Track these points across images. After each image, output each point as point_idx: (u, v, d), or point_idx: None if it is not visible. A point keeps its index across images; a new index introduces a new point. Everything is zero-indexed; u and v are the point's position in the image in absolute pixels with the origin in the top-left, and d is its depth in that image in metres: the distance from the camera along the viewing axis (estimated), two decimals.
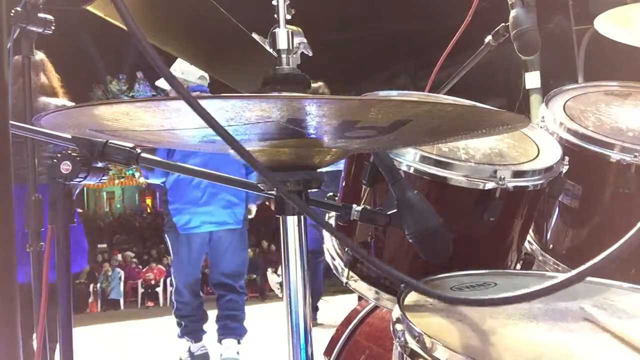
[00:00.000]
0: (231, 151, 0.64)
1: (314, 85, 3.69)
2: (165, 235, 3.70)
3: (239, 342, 3.60)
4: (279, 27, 0.76)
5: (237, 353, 3.57)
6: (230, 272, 3.69)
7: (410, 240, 0.86)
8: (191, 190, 3.55)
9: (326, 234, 1.21)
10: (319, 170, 0.79)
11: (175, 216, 3.57)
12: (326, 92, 3.78)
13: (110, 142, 0.91)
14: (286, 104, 0.57)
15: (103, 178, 0.95)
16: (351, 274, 1.10)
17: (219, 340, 3.62)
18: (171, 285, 4.74)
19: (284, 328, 0.80)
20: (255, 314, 3.76)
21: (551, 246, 1.30)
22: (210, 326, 3.71)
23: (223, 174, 0.99)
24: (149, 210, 18.61)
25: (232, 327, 3.61)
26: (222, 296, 3.69)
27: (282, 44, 0.76)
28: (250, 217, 3.80)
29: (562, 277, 0.56)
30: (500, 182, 0.96)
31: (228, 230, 3.62)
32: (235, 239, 3.67)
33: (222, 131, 0.54)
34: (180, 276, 3.67)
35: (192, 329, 3.65)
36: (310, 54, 0.86)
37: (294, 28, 0.79)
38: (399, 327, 0.72)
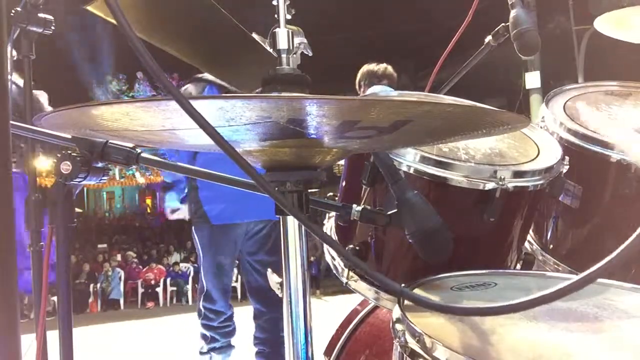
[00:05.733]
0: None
1: (373, 65, 3.49)
2: (193, 230, 3.08)
3: None
4: (279, 27, 0.76)
5: None
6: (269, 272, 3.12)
7: (410, 240, 0.86)
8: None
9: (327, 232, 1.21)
10: (319, 170, 0.78)
11: (206, 205, 2.99)
12: (394, 74, 3.53)
13: (110, 142, 0.91)
14: (286, 104, 0.57)
15: (103, 178, 0.95)
16: (351, 274, 1.09)
17: None
18: (173, 283, 4.44)
19: (284, 328, 0.80)
20: None
21: (551, 246, 1.30)
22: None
23: (224, 175, 0.99)
24: (149, 210, 18.62)
25: (280, 352, 2.91)
26: (261, 314, 3.05)
27: (282, 44, 0.76)
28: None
29: (575, 278, 0.56)
30: (501, 183, 0.96)
31: (267, 222, 3.05)
32: (275, 231, 3.07)
33: (214, 133, 0.54)
34: (212, 278, 3.03)
35: (222, 344, 3.05)
36: (311, 54, 0.86)
37: (294, 28, 0.79)
38: (399, 327, 0.72)
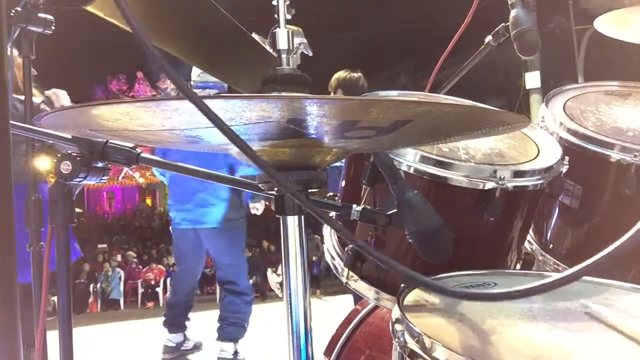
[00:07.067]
0: (234, 150, 0.64)
1: (353, 74, 3.43)
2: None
3: (236, 343, 3.58)
4: (279, 27, 0.76)
5: (235, 352, 3.55)
6: (224, 273, 3.67)
7: (410, 240, 0.86)
8: (177, 187, 3.66)
9: (325, 234, 1.21)
10: (319, 170, 0.79)
11: (170, 212, 3.74)
12: (365, 85, 3.49)
13: (110, 142, 0.91)
14: (287, 104, 0.57)
15: (103, 178, 0.95)
16: (351, 274, 1.09)
17: (218, 339, 3.60)
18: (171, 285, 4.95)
19: (284, 328, 0.80)
20: (255, 314, 3.74)
21: (551, 246, 1.30)
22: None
23: (222, 174, 0.99)
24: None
25: (228, 330, 3.58)
26: (223, 297, 3.72)
27: (282, 44, 0.76)
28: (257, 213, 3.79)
29: (558, 275, 0.56)
30: (500, 182, 0.96)
31: (212, 230, 3.55)
32: (220, 238, 3.60)
33: (230, 132, 0.54)
34: (178, 279, 3.89)
35: (172, 322, 3.79)
36: (311, 54, 0.86)
37: (294, 28, 0.79)
38: (398, 327, 0.72)
